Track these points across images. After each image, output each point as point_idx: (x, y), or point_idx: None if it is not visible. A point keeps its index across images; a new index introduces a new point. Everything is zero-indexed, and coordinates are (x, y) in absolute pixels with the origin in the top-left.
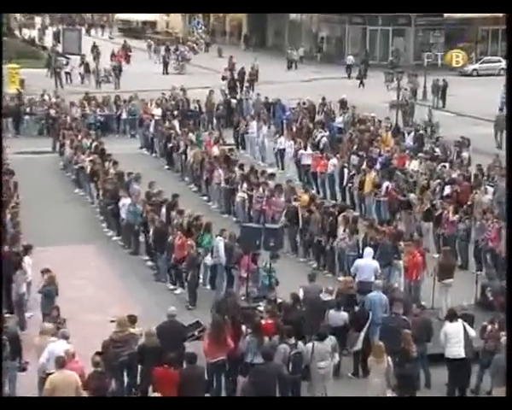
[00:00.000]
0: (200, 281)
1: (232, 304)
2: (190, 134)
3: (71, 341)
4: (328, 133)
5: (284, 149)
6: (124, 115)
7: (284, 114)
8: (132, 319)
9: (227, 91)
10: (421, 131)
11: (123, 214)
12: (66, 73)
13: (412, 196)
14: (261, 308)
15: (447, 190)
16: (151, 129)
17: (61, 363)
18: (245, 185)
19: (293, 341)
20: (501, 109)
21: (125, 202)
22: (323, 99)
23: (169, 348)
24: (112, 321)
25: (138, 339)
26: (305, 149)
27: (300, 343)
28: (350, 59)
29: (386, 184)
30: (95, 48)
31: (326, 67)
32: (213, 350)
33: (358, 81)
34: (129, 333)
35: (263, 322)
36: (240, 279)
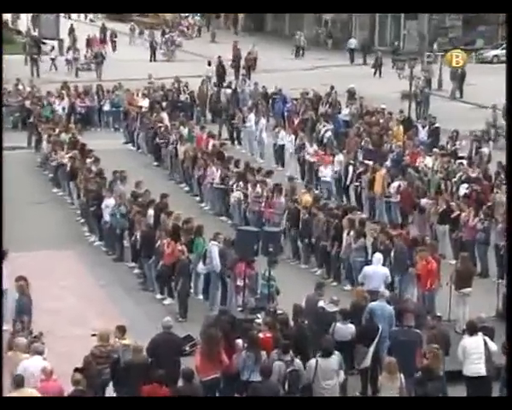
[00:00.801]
0: (192, 290)
1: (227, 321)
2: (181, 128)
3: (49, 357)
4: (332, 127)
5: (284, 145)
6: (106, 107)
7: (285, 105)
8: (122, 330)
9: (215, 79)
10: (437, 125)
11: (106, 217)
12: (52, 59)
13: (424, 200)
14: (259, 321)
15: (463, 189)
16: (137, 122)
17: (18, 382)
18: (241, 184)
19: (289, 357)
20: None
21: (108, 203)
22: (332, 88)
23: (165, 364)
24: (93, 335)
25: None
26: (309, 144)
27: (297, 360)
28: (352, 43)
29: (397, 183)
30: (72, 31)
31: (331, 54)
32: (206, 367)
33: (373, 70)
34: (117, 346)
35: (261, 336)
36: (235, 289)
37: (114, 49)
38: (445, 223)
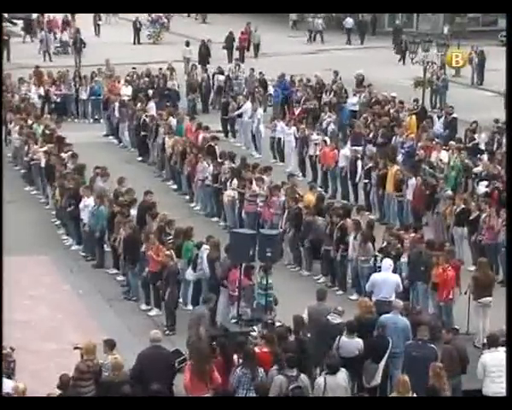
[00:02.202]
0: (180, 300)
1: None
2: (170, 118)
3: (20, 375)
4: (334, 117)
5: (280, 138)
6: (84, 95)
7: (285, 93)
8: (110, 344)
9: (196, 61)
10: (455, 115)
11: (85, 218)
12: (41, 42)
13: (449, 193)
14: (255, 334)
15: (483, 187)
16: (116, 112)
17: None
18: (235, 182)
19: (294, 372)
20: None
21: (87, 202)
22: (336, 74)
23: (155, 381)
24: (76, 348)
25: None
26: (317, 136)
27: (304, 376)
28: (349, 22)
29: (412, 181)
30: None
31: (336, 36)
32: (196, 386)
33: (399, 56)
34: (111, 361)
35: (257, 350)
36: (230, 298)
37: (98, 33)
38: (463, 225)
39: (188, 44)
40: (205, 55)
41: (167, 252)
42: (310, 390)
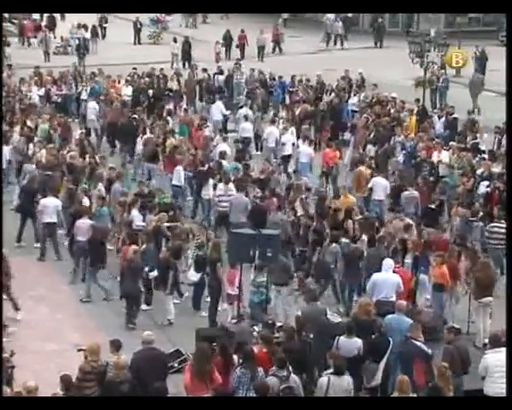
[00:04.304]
0: (182, 300)
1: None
2: (168, 118)
3: (20, 375)
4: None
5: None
6: (84, 95)
7: (284, 94)
8: (117, 345)
9: (179, 57)
10: (455, 115)
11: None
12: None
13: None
14: (255, 333)
15: (483, 187)
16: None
17: None
18: (210, 182)
19: (284, 372)
20: (476, 70)
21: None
22: (346, 72)
23: (150, 382)
24: (79, 350)
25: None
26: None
27: (294, 376)
28: (331, 19)
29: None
30: None
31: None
32: (197, 386)
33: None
34: (114, 363)
35: (256, 350)
36: (227, 297)
37: (104, 36)
38: (431, 226)
39: (175, 41)
40: (187, 51)
41: (132, 247)
42: (301, 390)
